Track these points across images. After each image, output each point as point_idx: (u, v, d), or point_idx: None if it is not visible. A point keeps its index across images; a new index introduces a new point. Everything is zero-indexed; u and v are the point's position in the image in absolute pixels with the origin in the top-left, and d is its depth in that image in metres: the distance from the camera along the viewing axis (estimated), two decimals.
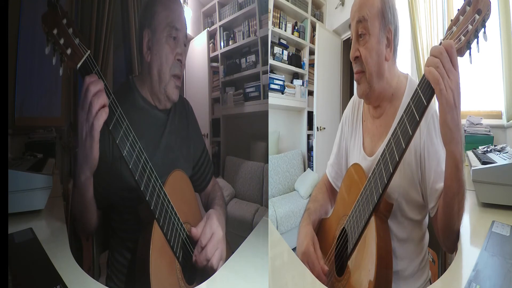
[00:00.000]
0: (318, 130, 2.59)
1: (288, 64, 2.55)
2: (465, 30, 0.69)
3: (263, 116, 2.08)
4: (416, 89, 0.72)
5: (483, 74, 2.04)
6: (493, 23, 1.90)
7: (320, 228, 0.99)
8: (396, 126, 0.76)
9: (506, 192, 0.93)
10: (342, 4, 2.59)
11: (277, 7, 2.44)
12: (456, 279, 0.64)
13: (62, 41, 0.75)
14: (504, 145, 1.44)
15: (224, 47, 2.28)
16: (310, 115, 2.67)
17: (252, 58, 2.15)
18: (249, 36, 2.15)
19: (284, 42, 2.55)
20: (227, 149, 2.26)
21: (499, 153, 1.24)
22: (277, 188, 2.40)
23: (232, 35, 2.27)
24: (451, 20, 0.73)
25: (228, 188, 2.09)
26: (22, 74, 1.62)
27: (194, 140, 1.14)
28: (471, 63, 0.69)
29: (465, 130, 1.93)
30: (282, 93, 2.49)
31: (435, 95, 0.69)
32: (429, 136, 0.81)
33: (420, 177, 0.83)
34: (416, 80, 0.87)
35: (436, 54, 0.68)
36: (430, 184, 0.81)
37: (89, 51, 0.79)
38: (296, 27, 2.60)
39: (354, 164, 0.93)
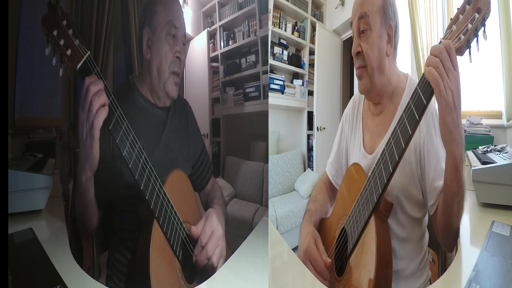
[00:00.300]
0: (318, 130, 2.59)
1: (288, 64, 2.55)
2: (465, 29, 0.69)
3: (263, 116, 2.08)
4: (416, 88, 0.72)
5: (483, 74, 2.04)
6: (493, 23, 1.90)
7: (320, 228, 0.99)
8: (395, 125, 0.76)
9: (506, 192, 0.93)
10: (342, 4, 2.59)
11: (277, 7, 2.44)
12: (456, 279, 0.63)
13: (62, 42, 0.75)
14: (504, 145, 1.44)
15: (224, 47, 2.28)
16: (310, 115, 2.67)
17: (252, 58, 2.15)
18: (249, 36, 2.14)
19: (284, 42, 2.55)
20: (227, 149, 2.26)
21: (499, 153, 1.24)
22: (277, 188, 2.40)
23: (232, 35, 2.27)
24: (451, 19, 0.73)
25: (228, 188, 2.09)
26: (22, 74, 1.62)
27: (193, 140, 1.14)
28: (471, 62, 0.69)
29: (465, 130, 1.93)
30: (282, 93, 2.49)
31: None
32: (428, 135, 0.81)
33: (420, 174, 0.83)
34: (416, 80, 0.88)
35: (436, 53, 0.68)
36: (429, 181, 0.81)
37: (88, 52, 0.79)
38: (296, 27, 2.60)
39: (354, 163, 0.93)
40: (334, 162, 1.08)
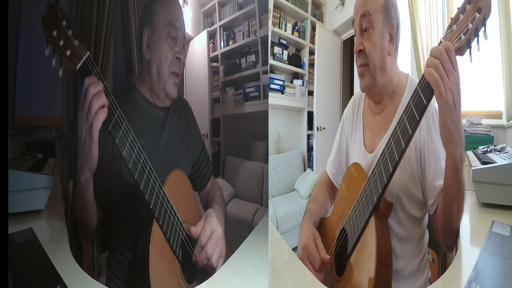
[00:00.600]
0: (318, 130, 2.59)
1: (288, 64, 2.55)
2: (465, 28, 0.69)
3: (263, 116, 2.08)
4: (416, 88, 0.72)
5: (483, 74, 2.04)
6: (493, 22, 1.90)
7: (320, 227, 0.99)
8: (396, 125, 0.76)
9: (506, 192, 0.93)
10: (342, 4, 2.59)
11: (277, 7, 2.44)
12: (456, 279, 0.63)
13: (61, 43, 0.76)
14: (504, 145, 1.44)
15: (224, 47, 2.28)
16: (310, 115, 2.67)
17: (252, 58, 2.15)
18: (249, 36, 2.14)
19: (284, 42, 2.55)
20: (227, 149, 2.26)
21: (499, 153, 1.24)
22: (277, 188, 2.40)
23: (232, 35, 2.27)
24: (451, 18, 0.73)
25: (228, 188, 2.09)
26: (22, 74, 1.62)
27: (193, 140, 1.14)
28: (471, 62, 0.69)
29: (465, 130, 1.93)
30: (282, 93, 2.49)
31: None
32: (429, 134, 0.81)
33: (420, 173, 0.83)
34: (416, 80, 0.88)
35: (436, 55, 0.68)
36: (429, 181, 0.81)
37: (88, 52, 0.79)
38: (296, 27, 2.60)
39: (354, 163, 0.93)
40: (335, 161, 1.09)
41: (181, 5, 1.11)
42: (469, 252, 0.71)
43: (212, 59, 2.33)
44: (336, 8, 2.69)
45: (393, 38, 0.90)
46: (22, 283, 0.61)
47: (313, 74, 2.62)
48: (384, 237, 0.76)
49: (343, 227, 0.87)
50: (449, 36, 0.71)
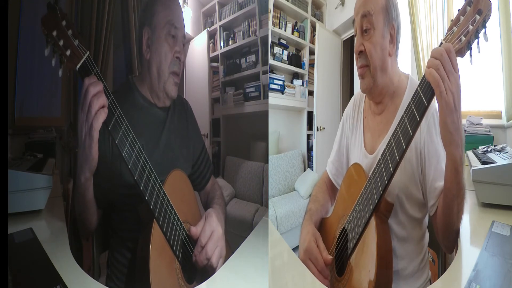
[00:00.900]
0: (318, 130, 2.59)
1: (288, 64, 2.55)
2: (465, 30, 0.69)
3: (263, 116, 2.08)
4: (417, 89, 0.72)
5: (483, 74, 2.04)
6: (493, 24, 1.90)
7: (320, 228, 0.99)
8: (396, 126, 0.76)
9: (506, 192, 0.93)
10: (342, 4, 2.59)
11: (277, 7, 2.44)
12: (456, 279, 0.63)
13: (61, 43, 0.75)
14: (504, 145, 1.44)
15: (224, 47, 2.28)
16: (310, 115, 2.67)
17: (252, 58, 2.15)
18: (249, 36, 2.14)
19: (284, 42, 2.55)
20: (227, 149, 2.26)
21: (499, 153, 1.24)
22: (277, 188, 2.40)
23: (232, 35, 2.27)
24: (452, 20, 0.73)
25: (228, 188, 2.09)
26: (22, 74, 1.62)
27: (193, 140, 1.14)
28: (471, 63, 0.69)
29: (465, 130, 1.93)
30: (282, 93, 2.49)
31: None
32: (429, 135, 0.81)
33: (421, 174, 0.83)
34: (416, 81, 0.88)
35: (437, 56, 0.68)
36: (429, 182, 0.81)
37: (88, 52, 0.79)
38: (296, 27, 2.60)
39: (354, 164, 0.93)
40: (335, 161, 1.09)
41: (181, 5, 1.11)
42: (469, 252, 0.71)
43: (212, 59, 2.33)
44: (336, 8, 2.69)
45: (394, 38, 0.90)
46: (22, 283, 0.60)
47: (313, 74, 2.62)
48: (384, 237, 0.76)
49: (344, 227, 0.88)
50: (450, 37, 0.71)
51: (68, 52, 0.76)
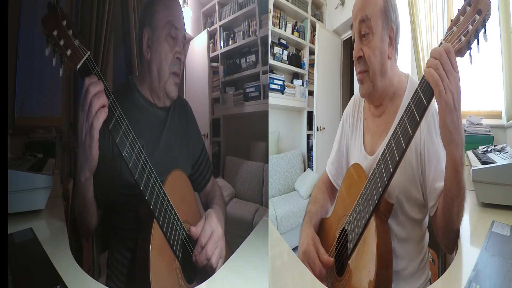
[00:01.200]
0: (318, 130, 2.59)
1: (288, 64, 2.55)
2: (465, 30, 0.69)
3: (263, 116, 2.08)
4: (417, 89, 0.72)
5: (483, 74, 2.04)
6: (493, 23, 1.90)
7: (320, 228, 0.99)
8: (396, 126, 0.76)
9: (506, 192, 0.93)
10: (342, 4, 2.59)
11: (277, 7, 2.44)
12: (456, 279, 0.63)
13: (62, 43, 0.75)
14: (504, 145, 1.44)
15: (224, 47, 2.28)
16: (310, 115, 2.67)
17: (252, 58, 2.15)
18: (249, 36, 2.14)
19: (284, 42, 2.55)
20: (227, 149, 2.26)
21: (499, 153, 1.24)
22: (277, 188, 2.40)
23: (232, 35, 2.27)
24: (452, 20, 0.73)
25: (228, 188, 2.09)
26: (22, 74, 1.62)
27: (193, 140, 1.14)
28: (471, 63, 0.69)
29: (465, 130, 1.93)
30: (282, 93, 2.49)
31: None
32: (429, 135, 0.81)
33: (420, 175, 0.83)
34: (416, 80, 0.87)
35: (436, 55, 0.68)
36: (429, 182, 0.81)
37: (88, 52, 0.79)
38: (296, 27, 2.60)
39: (354, 164, 0.93)
40: (335, 161, 1.08)
41: (181, 5, 1.11)
42: (469, 252, 0.71)
43: (212, 59, 2.33)
44: (336, 8, 2.69)
45: (393, 41, 0.89)
46: (22, 283, 0.60)
47: (313, 74, 2.62)
48: (384, 237, 0.76)
49: (344, 227, 0.87)
50: (449, 37, 0.71)
51: (68, 52, 0.76)
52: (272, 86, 2.38)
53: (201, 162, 1.16)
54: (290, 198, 2.37)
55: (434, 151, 0.81)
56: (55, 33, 0.75)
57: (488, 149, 1.37)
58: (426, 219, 0.91)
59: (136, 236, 0.85)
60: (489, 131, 1.92)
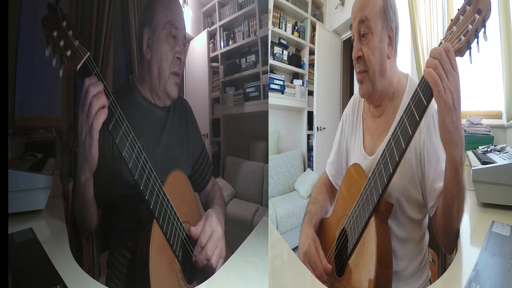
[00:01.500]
0: (318, 130, 2.59)
1: (288, 64, 2.55)
2: (465, 30, 0.69)
3: (263, 116, 2.08)
4: (416, 89, 0.72)
5: (483, 74, 2.04)
6: (493, 23, 1.90)
7: (320, 228, 0.99)
8: (396, 126, 0.76)
9: (506, 192, 0.93)
10: (342, 4, 2.59)
11: (277, 7, 2.44)
12: (456, 279, 0.63)
13: (62, 43, 0.76)
14: (504, 145, 1.44)
15: (224, 47, 2.28)
16: (310, 115, 2.67)
17: (252, 58, 2.15)
18: (249, 36, 2.14)
19: (284, 42, 2.55)
20: (227, 149, 2.26)
21: (499, 153, 1.24)
22: (277, 188, 2.40)
23: (232, 35, 2.27)
24: (451, 19, 0.73)
25: (228, 188, 2.09)
26: (22, 74, 1.62)
27: (193, 140, 1.14)
28: (471, 63, 0.69)
29: (465, 130, 1.93)
30: (282, 93, 2.49)
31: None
32: (428, 135, 0.81)
33: (420, 175, 0.83)
34: (416, 80, 0.87)
35: (435, 55, 0.67)
36: (429, 183, 0.81)
37: (88, 53, 0.79)
38: (296, 27, 2.60)
39: (354, 164, 0.93)
40: (334, 162, 1.08)
41: (181, 5, 1.11)
42: (469, 252, 0.71)
43: (212, 59, 2.33)
44: (336, 8, 2.69)
45: (392, 40, 0.89)
46: (22, 283, 0.61)
47: (313, 74, 2.62)
48: (384, 237, 0.76)
49: (343, 228, 0.87)
50: (449, 37, 0.71)
51: (68, 53, 0.76)
52: (272, 86, 2.38)
53: (201, 162, 1.16)
54: (290, 198, 2.37)
55: (433, 151, 0.81)
56: (55, 34, 0.75)
57: (488, 149, 1.37)
58: (426, 220, 0.91)
59: (136, 236, 0.85)
60: (489, 131, 1.92)
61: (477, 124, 1.96)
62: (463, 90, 0.68)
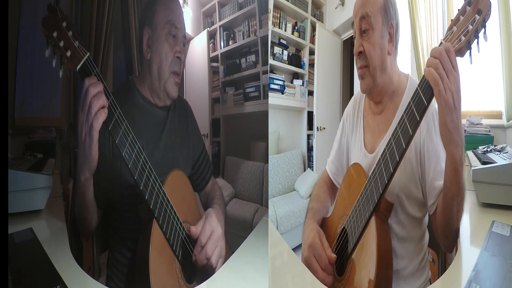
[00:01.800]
0: (318, 130, 2.59)
1: (288, 64, 2.55)
2: (465, 30, 0.69)
3: (263, 116, 2.08)
4: (417, 89, 0.72)
5: (483, 74, 2.04)
6: (493, 23, 1.90)
7: (321, 227, 0.99)
8: (396, 125, 0.76)
9: (506, 192, 0.93)
10: (342, 4, 2.59)
11: (277, 7, 2.44)
12: (456, 279, 0.64)
13: (62, 44, 0.76)
14: (504, 145, 1.44)
15: (224, 47, 2.28)
16: (310, 115, 2.67)
17: (252, 58, 2.15)
18: (249, 36, 2.14)
19: (284, 42, 2.55)
20: (227, 149, 2.26)
21: (499, 153, 1.24)
22: (277, 188, 2.40)
23: (232, 35, 2.27)
24: (452, 20, 0.73)
25: (228, 188, 2.09)
26: (22, 74, 1.62)
27: (193, 140, 1.14)
28: (471, 63, 0.69)
29: (465, 130, 1.93)
30: (282, 93, 2.49)
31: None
32: (428, 134, 0.81)
33: (420, 173, 0.84)
34: (416, 80, 0.88)
35: (436, 55, 0.68)
36: (429, 181, 0.81)
37: (88, 53, 0.79)
38: (296, 27, 2.60)
39: (354, 164, 0.93)
40: (335, 160, 1.09)
41: (181, 5, 1.11)
42: (469, 252, 0.71)
43: (212, 59, 2.33)
44: (336, 8, 2.69)
45: (393, 37, 0.90)
46: (22, 283, 0.61)
47: (313, 74, 2.62)
48: (384, 237, 0.76)
49: (344, 227, 0.88)
50: (449, 37, 0.71)
51: (68, 53, 0.76)
52: (272, 86, 2.38)
53: (201, 162, 1.16)
54: (290, 198, 2.37)
55: (433, 150, 0.81)
56: (55, 34, 0.75)
57: (488, 149, 1.37)
58: (426, 218, 0.91)
59: (136, 236, 0.85)
60: (489, 131, 1.92)
61: (477, 124, 1.96)
62: (463, 90, 0.68)
